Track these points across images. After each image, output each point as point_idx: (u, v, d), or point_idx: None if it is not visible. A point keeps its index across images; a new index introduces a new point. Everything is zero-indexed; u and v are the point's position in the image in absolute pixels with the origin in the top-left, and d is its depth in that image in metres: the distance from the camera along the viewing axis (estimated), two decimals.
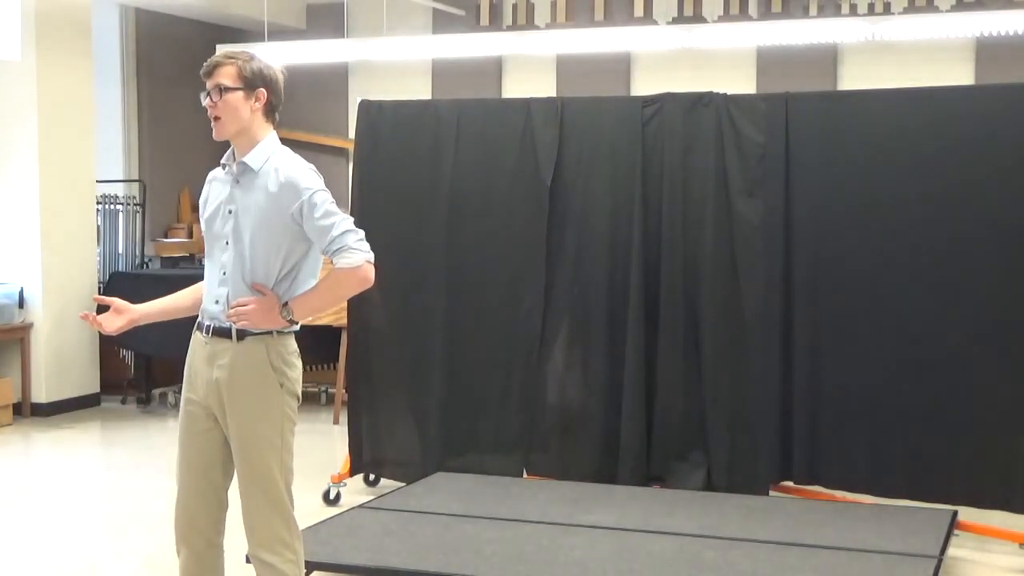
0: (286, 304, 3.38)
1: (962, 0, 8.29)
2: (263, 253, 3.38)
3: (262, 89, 3.41)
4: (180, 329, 3.57)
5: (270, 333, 3.39)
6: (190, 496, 3.48)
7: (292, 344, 3.46)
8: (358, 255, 3.35)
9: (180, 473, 3.51)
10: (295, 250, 3.40)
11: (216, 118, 3.39)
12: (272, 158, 3.41)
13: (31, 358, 8.30)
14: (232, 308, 3.36)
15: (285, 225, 3.36)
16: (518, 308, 5.82)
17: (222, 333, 3.41)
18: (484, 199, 5.88)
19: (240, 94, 3.38)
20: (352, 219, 3.43)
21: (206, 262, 3.53)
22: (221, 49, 3.60)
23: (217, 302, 3.43)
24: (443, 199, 5.90)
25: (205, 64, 3.42)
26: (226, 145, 3.49)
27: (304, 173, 3.39)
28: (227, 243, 3.42)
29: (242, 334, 3.38)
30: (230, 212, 3.42)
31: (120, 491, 6.41)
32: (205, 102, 3.40)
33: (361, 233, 3.39)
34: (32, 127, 8.19)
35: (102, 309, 3.55)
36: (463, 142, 5.89)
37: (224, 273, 3.43)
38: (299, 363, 3.48)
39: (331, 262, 3.39)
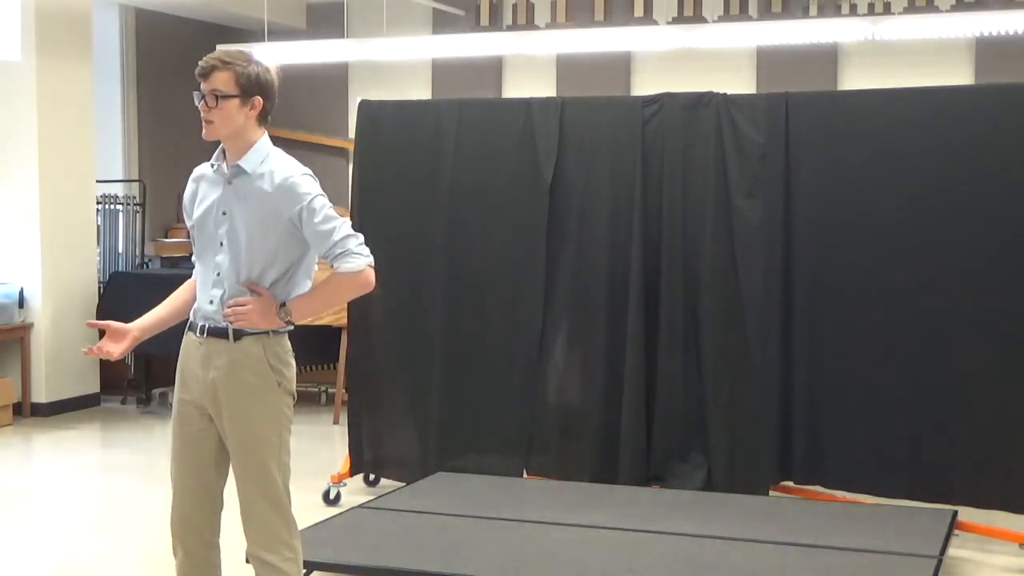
0: (283, 304, 3.38)
1: (962, 0, 8.29)
2: (259, 255, 3.37)
3: (258, 97, 3.37)
4: (180, 328, 3.57)
5: (267, 333, 3.38)
6: (185, 497, 3.47)
7: (287, 343, 3.46)
8: (360, 259, 3.35)
9: (175, 474, 3.50)
10: (291, 252, 3.40)
11: (208, 121, 3.35)
12: (267, 161, 3.39)
13: (31, 358, 8.29)
14: (229, 307, 3.34)
15: (283, 228, 3.35)
16: (518, 308, 5.82)
17: (218, 333, 3.39)
18: (484, 199, 5.88)
19: (236, 101, 3.33)
20: (351, 223, 3.43)
21: (197, 262, 3.51)
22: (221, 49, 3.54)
23: (211, 302, 3.41)
24: (443, 199, 5.90)
25: (200, 64, 3.36)
26: None
27: (302, 178, 3.38)
28: (221, 244, 3.41)
29: (239, 334, 3.37)
30: (224, 214, 3.41)
31: (120, 491, 6.40)
32: (199, 104, 3.35)
33: (361, 237, 3.39)
34: (32, 127, 8.19)
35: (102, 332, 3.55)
36: (463, 142, 5.88)
37: (218, 274, 3.41)
38: (294, 362, 3.48)
39: (331, 266, 3.38)
